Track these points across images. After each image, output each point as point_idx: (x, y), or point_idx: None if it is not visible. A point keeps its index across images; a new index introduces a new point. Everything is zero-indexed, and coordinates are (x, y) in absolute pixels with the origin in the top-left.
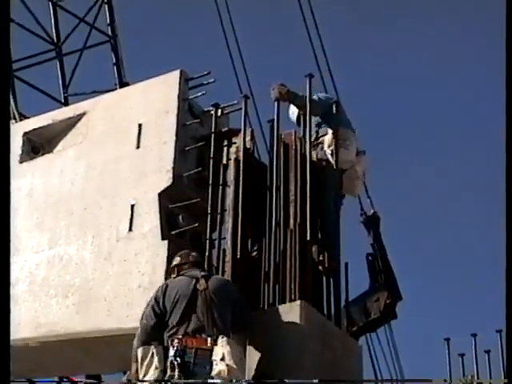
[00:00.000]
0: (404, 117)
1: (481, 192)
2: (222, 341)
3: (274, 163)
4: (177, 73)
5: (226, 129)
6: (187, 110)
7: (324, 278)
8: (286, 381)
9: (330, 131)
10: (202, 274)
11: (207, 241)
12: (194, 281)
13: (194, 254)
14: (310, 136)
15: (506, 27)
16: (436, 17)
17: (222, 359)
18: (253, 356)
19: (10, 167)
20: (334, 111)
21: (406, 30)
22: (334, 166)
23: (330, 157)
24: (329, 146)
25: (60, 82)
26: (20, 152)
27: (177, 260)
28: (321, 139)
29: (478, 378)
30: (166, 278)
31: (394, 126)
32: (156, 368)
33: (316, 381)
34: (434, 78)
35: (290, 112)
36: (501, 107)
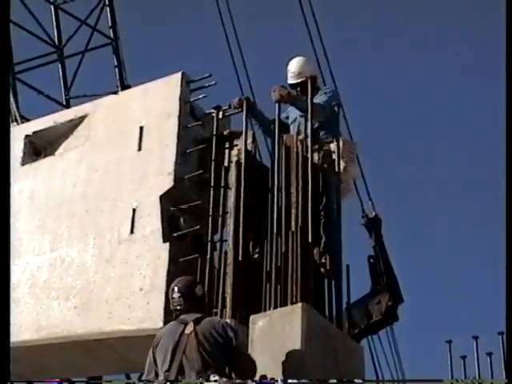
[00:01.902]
0: (405, 116)
1: (481, 192)
2: (213, 377)
3: (276, 165)
4: (178, 75)
5: (228, 131)
6: (189, 112)
7: (326, 281)
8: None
9: (341, 141)
10: (196, 317)
11: (209, 243)
12: (183, 326)
13: (176, 295)
14: (312, 138)
15: (506, 29)
16: (437, 17)
17: None
18: (254, 358)
19: (12, 170)
20: (336, 116)
21: (408, 30)
22: (347, 178)
23: (342, 168)
24: (342, 158)
25: (62, 84)
26: (22, 154)
27: (173, 303)
28: (327, 146)
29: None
30: (167, 281)
31: (395, 126)
32: None
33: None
34: (435, 76)
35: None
36: (501, 104)
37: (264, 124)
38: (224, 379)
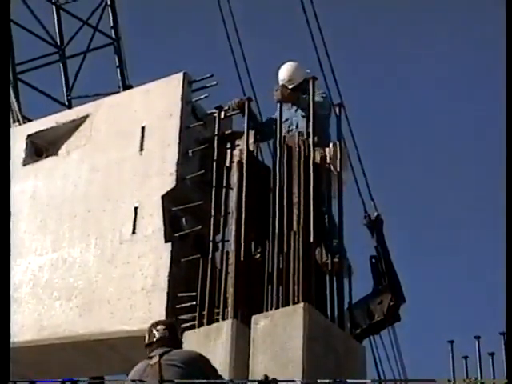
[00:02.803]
0: (406, 117)
1: (482, 193)
2: None
3: (278, 165)
4: (180, 75)
5: (230, 131)
6: (190, 112)
7: (327, 281)
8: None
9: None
10: (163, 351)
11: (210, 243)
12: (148, 361)
13: (161, 327)
14: (314, 139)
15: (506, 31)
16: (438, 17)
17: None
18: (256, 358)
19: (14, 170)
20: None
21: (409, 30)
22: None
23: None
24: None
25: (63, 84)
26: (23, 155)
27: (146, 338)
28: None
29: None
30: (169, 281)
31: (396, 126)
32: None
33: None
34: (437, 76)
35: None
36: (501, 102)
37: (257, 127)
38: None
